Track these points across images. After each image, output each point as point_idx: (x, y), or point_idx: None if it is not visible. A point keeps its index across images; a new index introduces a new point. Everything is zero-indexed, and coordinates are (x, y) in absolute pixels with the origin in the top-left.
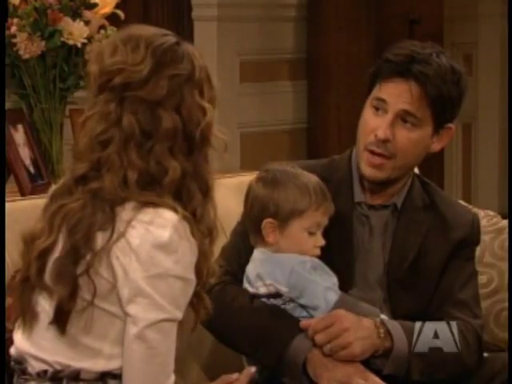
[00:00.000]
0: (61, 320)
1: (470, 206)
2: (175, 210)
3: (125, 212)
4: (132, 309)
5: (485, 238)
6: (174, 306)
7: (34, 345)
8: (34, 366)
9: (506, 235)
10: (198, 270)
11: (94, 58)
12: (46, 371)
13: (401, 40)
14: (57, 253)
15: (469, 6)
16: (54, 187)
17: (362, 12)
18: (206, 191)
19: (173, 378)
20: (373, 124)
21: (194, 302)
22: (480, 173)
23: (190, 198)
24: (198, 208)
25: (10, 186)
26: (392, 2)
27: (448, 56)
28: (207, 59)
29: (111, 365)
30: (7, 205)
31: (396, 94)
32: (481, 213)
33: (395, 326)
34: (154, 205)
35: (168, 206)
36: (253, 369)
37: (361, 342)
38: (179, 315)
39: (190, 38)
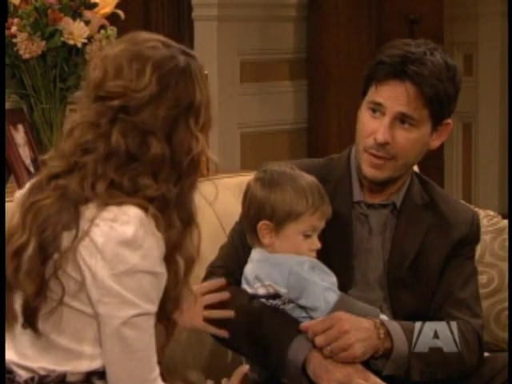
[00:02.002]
0: (29, 318)
1: (471, 207)
2: (142, 207)
3: (89, 211)
4: (103, 309)
5: (485, 237)
6: (144, 301)
7: (17, 353)
8: (21, 375)
9: (506, 235)
10: (166, 295)
11: (99, 65)
12: (32, 378)
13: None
14: (29, 251)
15: (469, 5)
16: (32, 180)
17: (362, 12)
18: (187, 220)
19: (157, 370)
20: (371, 127)
21: (167, 325)
22: (480, 173)
23: (170, 225)
24: (173, 236)
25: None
26: (392, 1)
27: (441, 51)
28: (207, 59)
29: (95, 364)
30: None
31: (392, 96)
32: (481, 213)
33: (395, 327)
34: (120, 203)
35: (134, 203)
36: (245, 367)
37: (361, 344)
38: (152, 309)
39: (190, 37)
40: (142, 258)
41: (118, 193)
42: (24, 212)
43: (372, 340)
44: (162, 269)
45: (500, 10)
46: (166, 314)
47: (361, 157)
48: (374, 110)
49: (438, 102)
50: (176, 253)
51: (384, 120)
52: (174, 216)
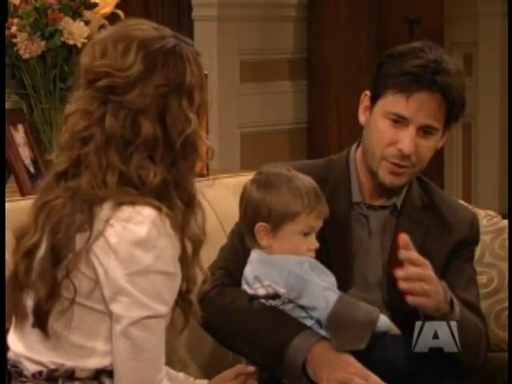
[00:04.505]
0: (40, 321)
1: (471, 206)
2: (156, 208)
3: (103, 211)
4: (114, 307)
5: (485, 237)
6: (157, 302)
7: (26, 346)
8: (29, 368)
9: (506, 235)
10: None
11: (87, 51)
12: (41, 372)
13: (401, 40)
14: (42, 251)
15: (469, 5)
16: (44, 181)
17: (362, 12)
18: (188, 202)
19: (164, 371)
20: (392, 136)
21: (184, 307)
22: (480, 173)
23: (172, 206)
24: (178, 217)
25: (10, 185)
26: (392, 1)
27: (446, 54)
28: (207, 59)
29: (105, 361)
30: (7, 205)
31: (419, 108)
32: (481, 213)
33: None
34: (133, 203)
35: (148, 204)
36: (251, 369)
37: (435, 297)
38: (164, 310)
39: (190, 38)
40: (156, 258)
41: (129, 188)
42: (36, 212)
43: (441, 296)
44: (175, 269)
45: (500, 10)
46: (181, 296)
47: (378, 164)
48: (395, 121)
49: (458, 109)
50: (180, 234)
51: (408, 131)
52: (174, 198)
